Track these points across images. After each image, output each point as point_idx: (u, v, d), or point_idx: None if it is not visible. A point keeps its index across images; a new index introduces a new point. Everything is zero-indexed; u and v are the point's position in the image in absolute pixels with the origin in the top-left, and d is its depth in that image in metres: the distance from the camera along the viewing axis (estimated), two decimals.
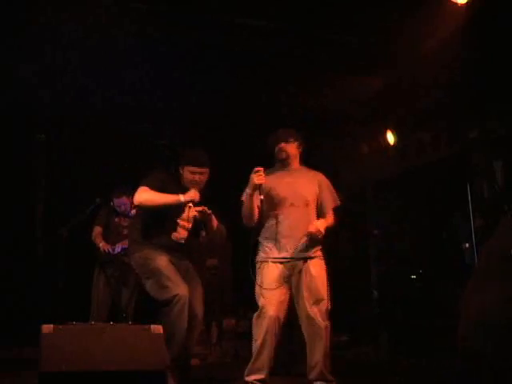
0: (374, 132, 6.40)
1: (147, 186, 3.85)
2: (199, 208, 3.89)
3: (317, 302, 3.71)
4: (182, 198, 3.84)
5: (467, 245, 5.52)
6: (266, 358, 3.67)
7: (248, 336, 4.03)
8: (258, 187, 3.74)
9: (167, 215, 3.93)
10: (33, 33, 4.68)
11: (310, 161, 4.10)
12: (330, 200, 3.96)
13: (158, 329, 3.21)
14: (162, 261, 3.81)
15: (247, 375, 3.71)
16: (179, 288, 3.70)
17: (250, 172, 3.86)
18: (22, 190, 6.12)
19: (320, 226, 3.80)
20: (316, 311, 3.70)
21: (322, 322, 3.68)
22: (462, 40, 4.43)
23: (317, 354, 3.67)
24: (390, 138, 6.23)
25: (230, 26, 4.70)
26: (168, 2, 4.51)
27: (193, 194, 3.88)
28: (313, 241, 3.79)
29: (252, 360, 3.72)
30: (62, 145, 6.09)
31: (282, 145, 3.96)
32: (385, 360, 5.71)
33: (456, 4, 4.19)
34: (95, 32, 4.68)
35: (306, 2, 4.47)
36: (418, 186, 6.25)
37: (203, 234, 4.00)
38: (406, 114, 5.88)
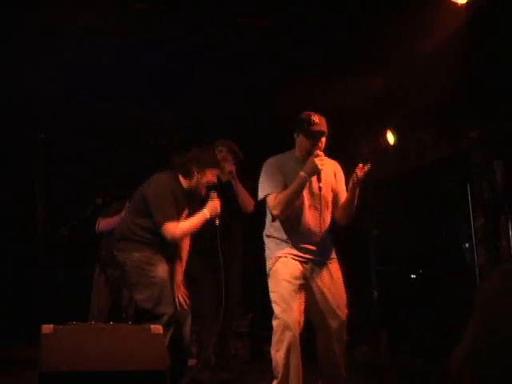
0: (374, 132, 6.39)
1: (171, 218, 3.64)
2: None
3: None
4: (207, 214, 3.71)
5: (467, 245, 5.53)
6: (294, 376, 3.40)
7: (247, 336, 4.02)
8: (319, 173, 3.48)
9: None
10: (33, 32, 4.68)
11: None
12: (345, 192, 3.77)
13: (157, 329, 3.20)
14: (163, 272, 3.69)
15: None
16: (171, 308, 3.65)
17: (251, 173, 3.81)
18: (22, 190, 6.12)
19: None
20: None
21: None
22: (462, 40, 4.43)
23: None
24: (390, 138, 6.23)
25: (230, 26, 4.71)
26: (169, 2, 4.51)
27: (216, 205, 3.74)
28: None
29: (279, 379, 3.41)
30: (61, 145, 6.09)
31: (324, 135, 3.57)
32: (385, 360, 5.70)
33: (456, 4, 4.19)
34: (96, 32, 4.69)
35: (307, 3, 4.47)
36: (418, 186, 6.24)
37: (217, 221, 3.81)
38: (406, 113, 5.87)
